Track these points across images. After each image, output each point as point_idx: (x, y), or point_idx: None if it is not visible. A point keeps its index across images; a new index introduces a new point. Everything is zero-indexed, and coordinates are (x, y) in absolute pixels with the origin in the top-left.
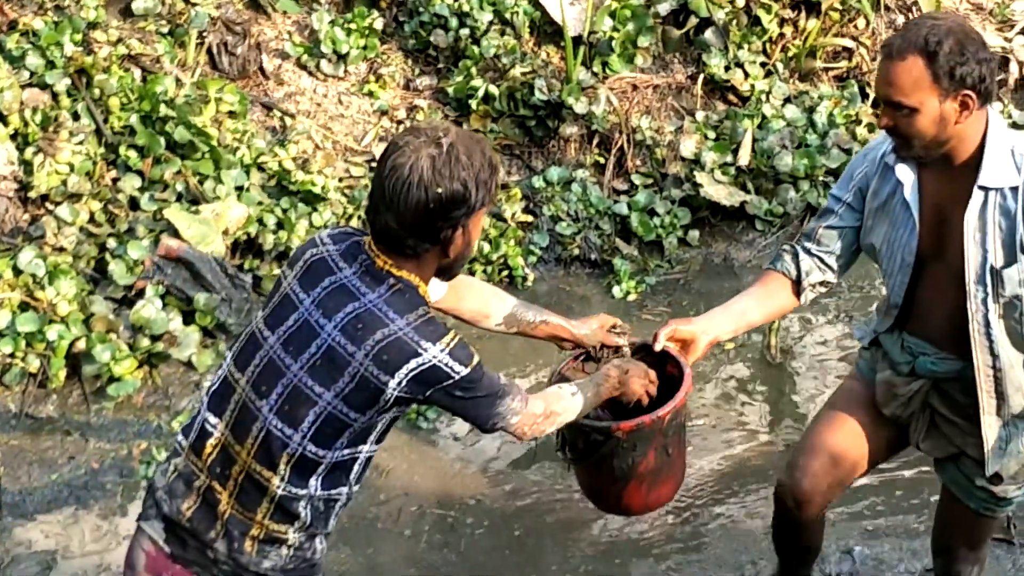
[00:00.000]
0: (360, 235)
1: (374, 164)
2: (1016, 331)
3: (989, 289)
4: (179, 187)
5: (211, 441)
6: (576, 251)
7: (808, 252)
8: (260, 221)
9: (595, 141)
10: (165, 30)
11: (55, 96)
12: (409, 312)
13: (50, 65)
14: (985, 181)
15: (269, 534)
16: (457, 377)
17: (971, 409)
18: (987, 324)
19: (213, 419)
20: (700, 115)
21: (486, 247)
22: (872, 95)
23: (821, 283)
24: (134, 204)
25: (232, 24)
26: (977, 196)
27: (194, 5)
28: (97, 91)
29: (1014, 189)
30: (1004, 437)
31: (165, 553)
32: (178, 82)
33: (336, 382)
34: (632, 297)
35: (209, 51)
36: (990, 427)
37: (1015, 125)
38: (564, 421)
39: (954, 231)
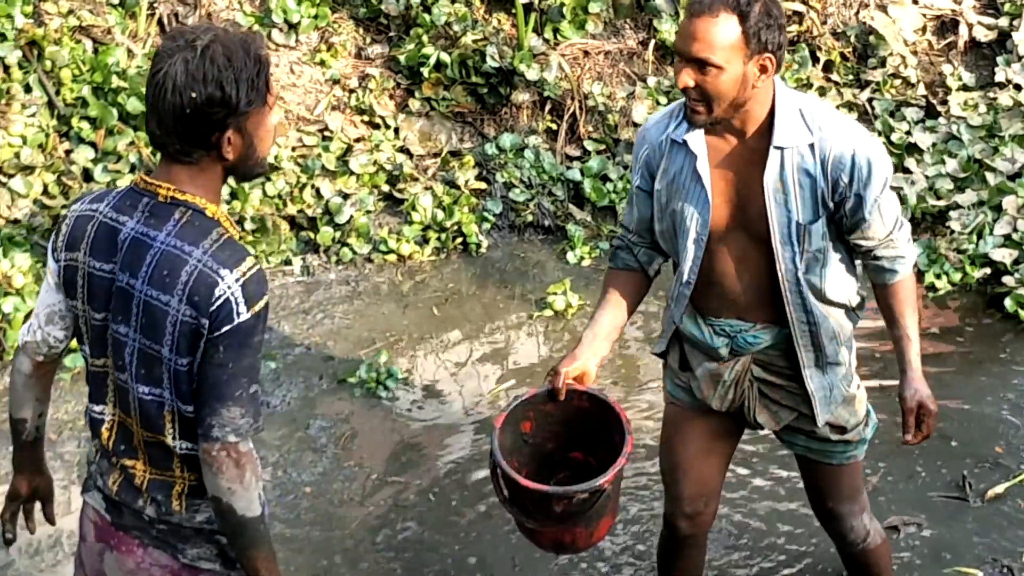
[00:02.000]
0: (113, 190)
1: (327, 133)
2: (816, 285)
3: (796, 247)
4: (132, 158)
5: (105, 426)
6: (530, 217)
7: (636, 243)
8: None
9: (547, 108)
10: (116, 1)
11: (6, 69)
12: (203, 239)
13: (1, 37)
14: (780, 141)
15: (191, 486)
16: (236, 322)
17: (792, 369)
18: (797, 282)
19: (99, 407)
20: (652, 80)
21: (440, 214)
22: (823, 59)
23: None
24: (87, 176)
25: None
26: (774, 157)
27: None
28: (49, 63)
29: (811, 146)
30: (827, 385)
31: (107, 522)
32: (130, 53)
33: (165, 336)
34: (587, 263)
35: (160, 22)
36: (812, 378)
37: (965, 87)
38: (240, 505)
39: (752, 196)
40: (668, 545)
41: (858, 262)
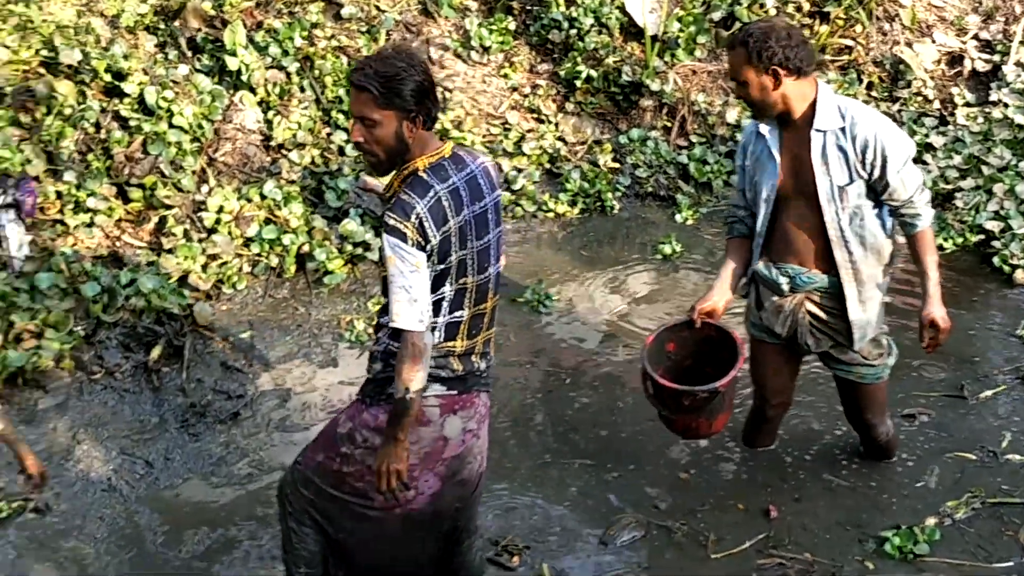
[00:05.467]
0: (430, 171)
1: (507, 126)
2: (859, 233)
3: (839, 204)
4: None
5: (464, 319)
6: (650, 188)
7: (743, 217)
8: None
9: (664, 111)
10: (364, 29)
11: (288, 75)
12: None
13: (285, 53)
14: (819, 125)
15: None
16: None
17: (837, 308)
18: (840, 229)
19: (460, 312)
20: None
21: (585, 185)
22: (867, 80)
23: None
24: (341, 151)
25: (410, 25)
26: (816, 138)
27: (383, 11)
28: (317, 72)
29: (842, 129)
30: (864, 322)
31: (451, 396)
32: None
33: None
34: (690, 222)
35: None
36: (854, 312)
37: (968, 104)
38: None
39: (805, 168)
40: (755, 422)
41: (890, 224)
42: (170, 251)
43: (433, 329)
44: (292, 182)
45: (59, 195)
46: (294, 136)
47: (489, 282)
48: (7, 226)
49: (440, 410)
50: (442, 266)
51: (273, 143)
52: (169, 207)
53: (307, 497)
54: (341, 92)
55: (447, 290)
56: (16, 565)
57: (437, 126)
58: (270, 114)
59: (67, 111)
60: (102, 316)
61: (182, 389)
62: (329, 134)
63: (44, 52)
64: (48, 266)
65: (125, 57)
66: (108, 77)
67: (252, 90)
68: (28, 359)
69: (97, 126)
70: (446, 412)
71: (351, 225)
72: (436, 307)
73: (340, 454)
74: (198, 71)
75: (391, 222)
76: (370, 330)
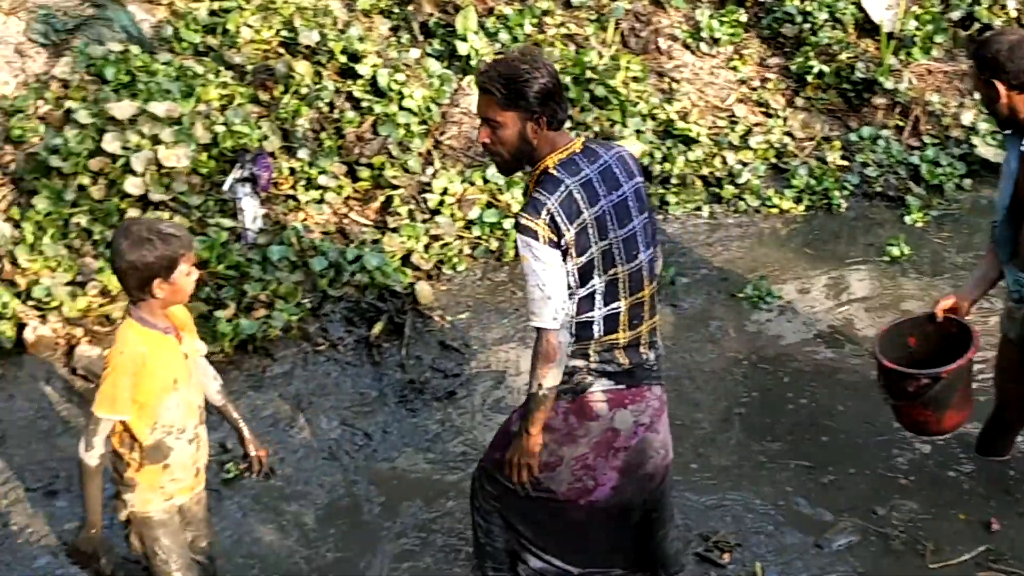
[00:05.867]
0: (562, 168)
1: (734, 119)
2: None
3: None
4: (596, 128)
5: (622, 310)
6: (878, 188)
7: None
8: (651, 155)
9: (897, 109)
10: (593, 18)
11: None
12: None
13: (514, 40)
14: None
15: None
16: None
17: None
18: None
19: (616, 304)
20: (978, 95)
21: (812, 182)
22: None
23: None
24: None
25: (640, 15)
26: None
27: (614, 0)
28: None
29: None
30: None
31: (619, 390)
32: (599, 55)
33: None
34: (919, 224)
35: (622, 33)
36: None
37: None
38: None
39: None
40: (992, 429)
41: None
42: (394, 230)
43: (591, 323)
44: None
45: (292, 171)
46: None
47: (642, 270)
48: (243, 199)
49: (608, 405)
50: (584, 259)
51: None
52: (395, 187)
53: (492, 494)
54: (568, 79)
55: (597, 282)
56: (241, 524)
57: (661, 115)
58: None
59: (303, 90)
60: (328, 290)
61: (401, 365)
62: None
63: (284, 32)
64: (280, 239)
65: (360, 39)
66: (343, 59)
67: None
68: (259, 327)
69: (331, 106)
70: (615, 407)
71: None
72: (590, 301)
73: None
74: (429, 55)
75: (523, 221)
76: None
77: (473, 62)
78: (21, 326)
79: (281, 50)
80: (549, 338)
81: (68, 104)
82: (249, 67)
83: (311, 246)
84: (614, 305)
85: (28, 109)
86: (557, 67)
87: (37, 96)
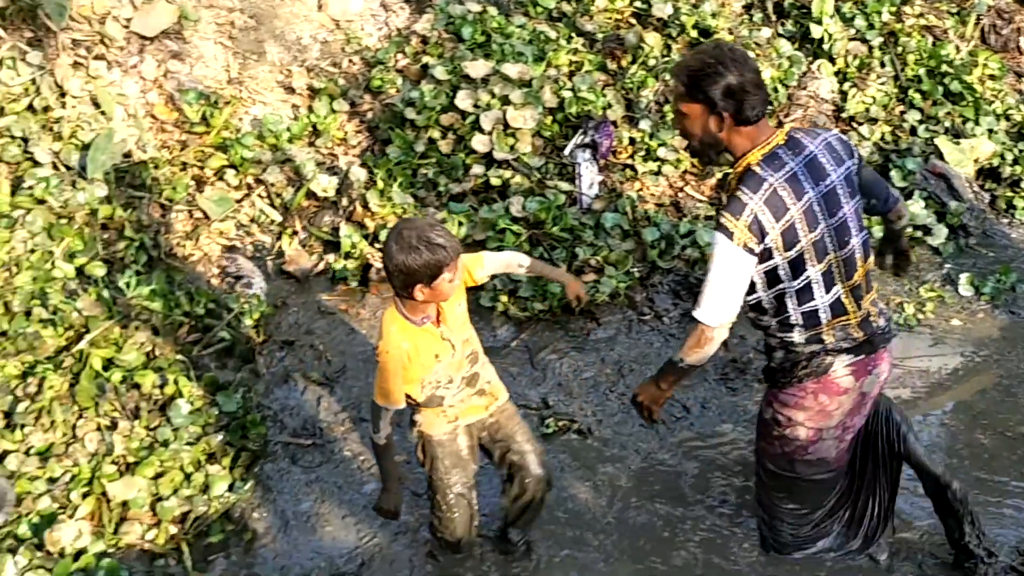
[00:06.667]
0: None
1: None
2: None
3: None
4: (947, 124)
5: (843, 294)
6: None
7: None
8: (1002, 156)
9: None
10: (954, 11)
11: (870, 48)
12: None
13: (870, 27)
14: None
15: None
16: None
17: None
18: None
19: (835, 289)
20: None
21: None
22: None
23: None
24: (913, 131)
25: (1003, 12)
26: None
27: None
28: (900, 48)
29: None
30: None
31: (862, 360)
32: (957, 49)
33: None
34: None
35: (982, 29)
36: None
37: None
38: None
39: None
40: None
41: None
42: None
43: (816, 311)
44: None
45: (632, 141)
46: (867, 110)
47: (855, 253)
48: (582, 164)
49: (855, 376)
50: (793, 253)
51: (844, 115)
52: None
53: (769, 484)
54: (922, 71)
55: (812, 273)
56: (558, 479)
57: (1016, 116)
58: (845, 85)
59: (651, 62)
60: (658, 261)
61: (724, 344)
62: (903, 112)
63: (637, 3)
64: (614, 207)
65: (713, 15)
66: (694, 33)
67: (831, 59)
68: (587, 291)
69: None
70: (861, 376)
71: (915, 207)
72: (808, 292)
73: (776, 438)
74: (780, 35)
75: (721, 220)
76: (919, 315)
77: (825, 46)
78: (367, 266)
79: (633, 20)
80: (707, 333)
81: (425, 59)
82: (600, 35)
83: (644, 216)
84: (835, 290)
85: (388, 61)
86: (911, 59)
87: (397, 49)
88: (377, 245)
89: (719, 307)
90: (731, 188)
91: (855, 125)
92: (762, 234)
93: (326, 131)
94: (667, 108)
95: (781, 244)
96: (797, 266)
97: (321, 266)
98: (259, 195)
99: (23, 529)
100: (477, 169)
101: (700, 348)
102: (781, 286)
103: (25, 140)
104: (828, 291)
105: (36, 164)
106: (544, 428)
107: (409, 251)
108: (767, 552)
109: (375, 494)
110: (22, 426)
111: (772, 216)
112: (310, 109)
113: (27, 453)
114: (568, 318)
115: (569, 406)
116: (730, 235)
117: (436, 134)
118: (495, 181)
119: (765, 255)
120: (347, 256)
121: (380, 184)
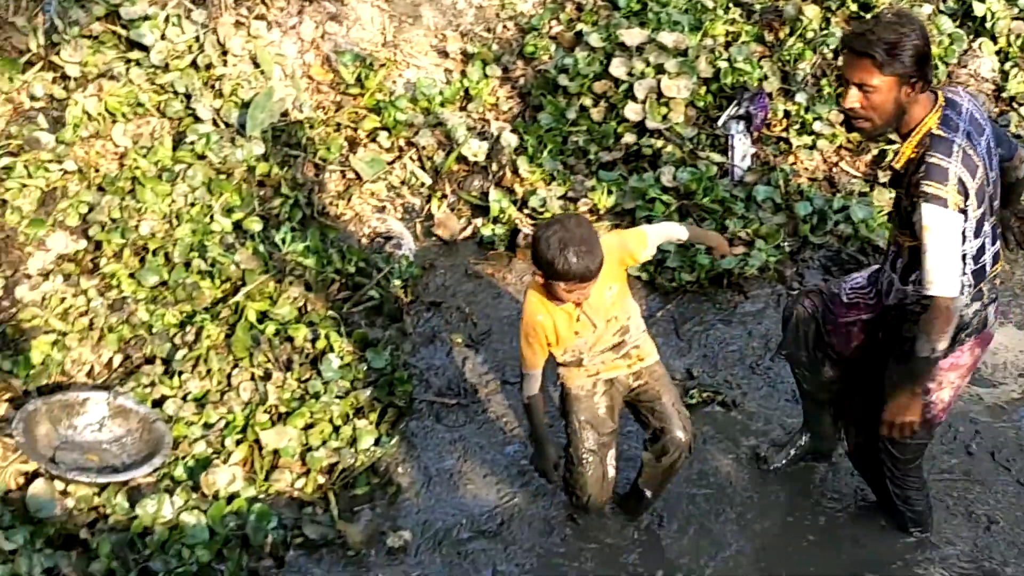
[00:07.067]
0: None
1: None
2: None
3: None
4: None
5: (999, 244)
6: None
7: None
8: None
9: None
10: None
11: None
12: None
13: None
14: None
15: None
16: None
17: None
18: None
19: (995, 245)
20: None
21: None
22: None
23: None
24: None
25: None
26: None
27: None
28: None
29: None
30: None
31: (991, 321)
32: None
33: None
34: None
35: None
36: None
37: None
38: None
39: None
40: None
41: None
42: (884, 185)
43: (984, 267)
44: None
45: (787, 114)
46: None
47: (996, 203)
48: (736, 136)
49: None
50: (981, 210)
51: (1004, 95)
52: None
53: (901, 459)
54: None
55: (987, 227)
56: (700, 451)
57: None
58: (1007, 65)
59: (809, 34)
60: (810, 236)
61: None
62: None
63: None
64: (767, 180)
65: None
66: (854, 7)
67: (993, 38)
68: (736, 264)
69: (835, 53)
70: (987, 341)
71: None
72: (981, 249)
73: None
74: (941, 12)
75: (930, 190)
76: None
77: (988, 24)
78: (514, 231)
79: None
80: (949, 305)
81: (580, 26)
82: (758, 6)
83: (797, 190)
84: (996, 246)
85: (543, 28)
86: None
87: (552, 16)
88: (526, 211)
89: (955, 276)
90: (914, 157)
91: (1015, 106)
92: (966, 194)
93: (478, 96)
94: (824, 82)
95: (976, 202)
96: (981, 222)
97: (469, 230)
98: (410, 158)
99: (179, 471)
100: (628, 138)
101: (948, 325)
102: (963, 247)
103: (188, 96)
104: (994, 243)
105: (197, 120)
106: (688, 399)
107: (547, 249)
108: (909, 534)
109: (517, 455)
110: (180, 373)
111: (970, 175)
112: (463, 74)
113: (184, 399)
114: (716, 290)
115: (714, 377)
116: (944, 203)
117: (588, 101)
118: (646, 151)
119: (963, 216)
120: (495, 221)
121: (530, 150)
